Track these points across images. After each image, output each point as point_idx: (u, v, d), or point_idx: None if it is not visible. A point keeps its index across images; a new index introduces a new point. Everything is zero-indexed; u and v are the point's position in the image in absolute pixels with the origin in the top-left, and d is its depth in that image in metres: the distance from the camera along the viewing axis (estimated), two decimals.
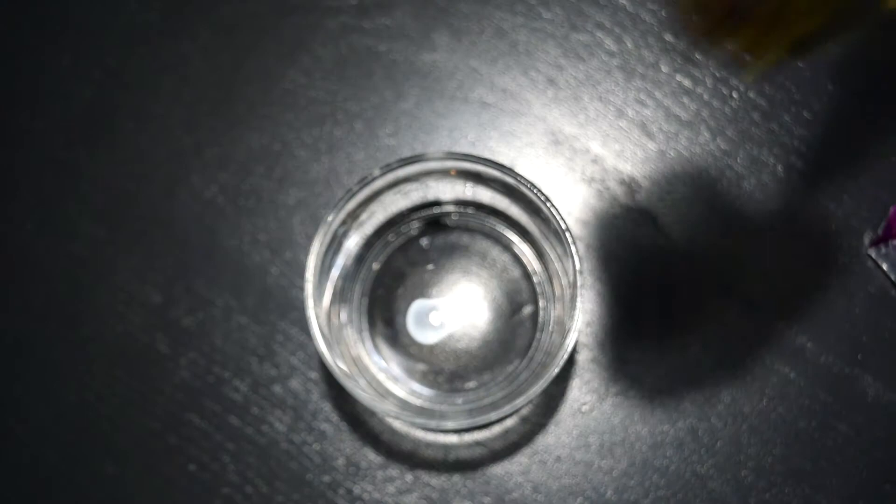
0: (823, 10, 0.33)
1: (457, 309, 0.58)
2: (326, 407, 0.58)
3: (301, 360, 0.58)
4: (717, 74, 0.60)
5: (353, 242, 0.55)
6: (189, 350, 0.59)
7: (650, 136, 0.60)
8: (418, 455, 0.57)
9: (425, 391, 0.57)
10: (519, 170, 0.56)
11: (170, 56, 0.62)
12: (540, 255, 0.57)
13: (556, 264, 0.56)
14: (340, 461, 0.58)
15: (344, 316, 0.56)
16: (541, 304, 0.57)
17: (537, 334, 0.57)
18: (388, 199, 0.55)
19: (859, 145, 0.59)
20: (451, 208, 0.58)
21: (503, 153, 0.60)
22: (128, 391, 0.59)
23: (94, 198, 0.61)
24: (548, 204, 0.52)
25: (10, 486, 0.58)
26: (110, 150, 0.61)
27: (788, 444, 0.57)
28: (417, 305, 0.58)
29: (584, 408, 0.58)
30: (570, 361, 0.58)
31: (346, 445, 0.58)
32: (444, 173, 0.54)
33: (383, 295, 0.58)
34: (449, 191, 0.56)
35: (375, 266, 0.58)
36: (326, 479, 0.58)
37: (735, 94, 0.60)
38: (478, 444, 0.58)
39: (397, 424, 0.58)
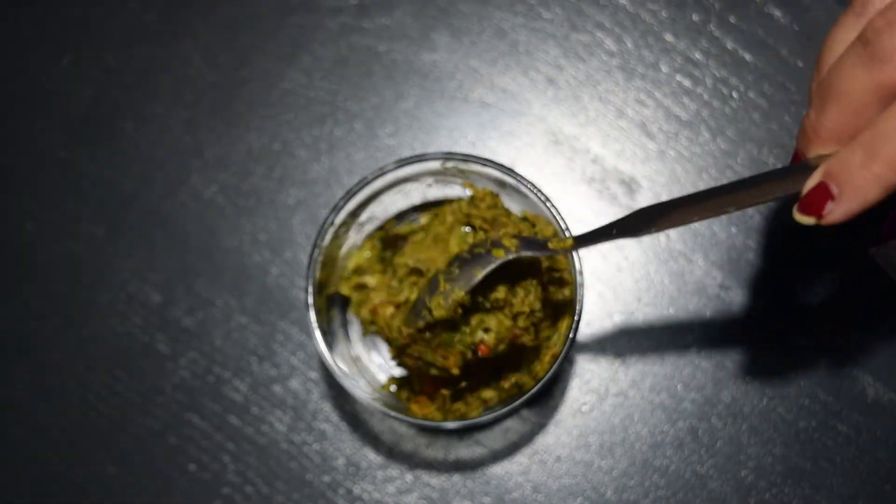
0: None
1: None
2: (326, 407, 0.58)
3: (301, 360, 0.58)
4: (717, 74, 0.60)
5: (353, 242, 0.55)
6: (189, 350, 0.59)
7: (650, 136, 0.60)
8: (418, 455, 0.57)
9: None
10: (519, 170, 0.56)
11: (170, 56, 0.62)
12: None
13: None
14: (340, 461, 0.58)
15: (344, 316, 0.56)
16: None
17: None
18: (388, 199, 0.55)
19: None
20: None
21: (503, 153, 0.60)
22: (128, 391, 0.59)
23: (94, 198, 0.61)
24: (548, 204, 0.52)
25: (11, 486, 0.58)
26: (110, 150, 0.61)
27: (788, 444, 0.57)
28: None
29: (584, 408, 0.58)
30: (570, 361, 0.58)
31: (346, 445, 0.58)
32: (443, 173, 0.54)
33: None
34: (449, 191, 0.56)
35: None
36: (326, 479, 0.58)
37: (735, 94, 0.60)
38: (478, 444, 0.58)
39: (397, 424, 0.58)
